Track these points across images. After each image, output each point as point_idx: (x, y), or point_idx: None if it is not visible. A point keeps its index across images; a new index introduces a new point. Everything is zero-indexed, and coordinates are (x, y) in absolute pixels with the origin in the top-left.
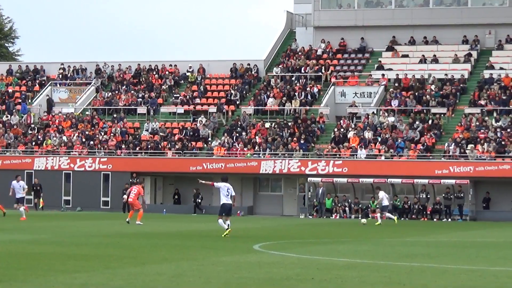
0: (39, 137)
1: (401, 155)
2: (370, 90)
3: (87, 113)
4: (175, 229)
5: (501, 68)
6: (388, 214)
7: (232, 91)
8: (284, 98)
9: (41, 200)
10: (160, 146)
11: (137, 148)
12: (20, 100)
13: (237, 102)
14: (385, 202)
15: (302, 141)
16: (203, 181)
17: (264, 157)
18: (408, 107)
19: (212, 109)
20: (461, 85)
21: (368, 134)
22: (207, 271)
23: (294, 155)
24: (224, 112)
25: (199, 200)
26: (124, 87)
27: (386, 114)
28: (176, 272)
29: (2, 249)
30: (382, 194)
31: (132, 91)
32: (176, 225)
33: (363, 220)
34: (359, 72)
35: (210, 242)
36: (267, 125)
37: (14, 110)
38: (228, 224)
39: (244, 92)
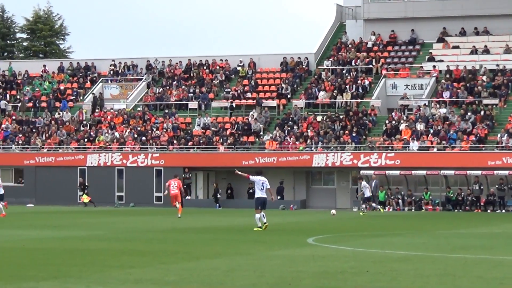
0: (91, 133)
1: (454, 146)
2: (421, 82)
3: (138, 109)
4: (228, 224)
5: None
6: (373, 204)
7: (283, 85)
8: (335, 91)
9: (85, 196)
10: (212, 141)
11: (189, 143)
12: (73, 97)
13: (288, 96)
14: (367, 193)
15: (354, 134)
16: (240, 173)
17: (316, 150)
18: (459, 98)
19: (264, 103)
20: None
21: (420, 126)
22: (261, 265)
23: (346, 148)
24: (263, 106)
25: (219, 195)
26: (175, 82)
27: (437, 105)
28: (230, 266)
29: (57, 246)
30: (363, 184)
31: (183, 87)
32: (230, 220)
33: (333, 211)
34: (410, 64)
35: (264, 236)
36: (319, 118)
37: (67, 108)
38: (263, 215)
39: (295, 85)
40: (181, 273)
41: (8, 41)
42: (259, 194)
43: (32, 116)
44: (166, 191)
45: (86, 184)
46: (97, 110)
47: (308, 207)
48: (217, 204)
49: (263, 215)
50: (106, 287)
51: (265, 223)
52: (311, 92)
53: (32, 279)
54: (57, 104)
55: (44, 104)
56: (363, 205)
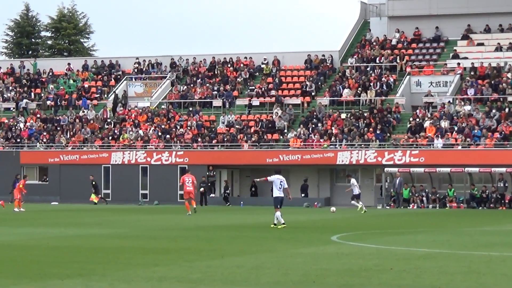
0: (116, 131)
1: (478, 144)
2: (446, 79)
3: (162, 106)
4: (252, 221)
5: None
6: (353, 202)
7: (307, 83)
8: (360, 89)
9: (94, 195)
10: (236, 139)
11: (213, 141)
12: (97, 95)
13: (312, 94)
14: (356, 191)
15: (378, 131)
16: (258, 180)
17: (340, 148)
18: (484, 95)
19: (288, 100)
20: None
21: (444, 124)
22: (286, 262)
23: (370, 146)
24: (283, 104)
25: (228, 192)
26: (199, 80)
27: (462, 103)
28: (254, 264)
29: (81, 243)
30: (353, 181)
31: (207, 84)
32: (254, 217)
33: (333, 208)
34: (434, 61)
35: (288, 233)
36: (343, 115)
37: (90, 105)
38: (278, 216)
39: (319, 83)
40: (205, 270)
41: (33, 40)
42: (276, 193)
43: (53, 113)
44: (181, 186)
45: (94, 182)
46: (121, 108)
47: (332, 204)
48: (227, 203)
49: (280, 215)
50: (131, 285)
51: (274, 224)
52: (335, 90)
53: (57, 276)
54: (79, 102)
55: (65, 103)
56: (353, 202)
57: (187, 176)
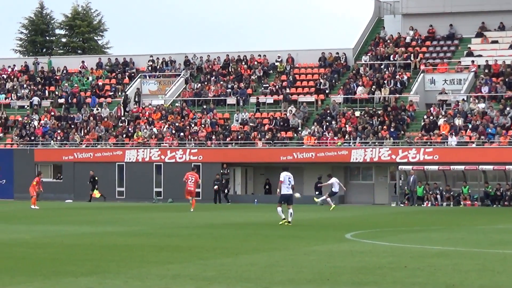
0: (130, 129)
1: (492, 141)
2: (460, 77)
3: (176, 104)
4: (266, 219)
5: None
6: (328, 199)
7: (321, 80)
8: (374, 86)
9: (96, 191)
10: (250, 137)
11: (227, 139)
12: (111, 93)
13: (326, 91)
14: (336, 189)
15: (392, 129)
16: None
17: (354, 145)
18: (498, 93)
19: (302, 98)
20: None
21: (458, 121)
22: (300, 260)
23: (384, 143)
24: (291, 102)
25: (227, 191)
26: (213, 78)
27: (476, 100)
28: (268, 262)
29: (95, 241)
30: (333, 180)
31: (221, 82)
32: (268, 215)
33: (297, 194)
34: (448, 59)
35: (301, 231)
36: (357, 113)
37: (104, 103)
38: (291, 213)
39: (333, 81)
40: (219, 268)
41: (47, 38)
42: (284, 190)
43: (65, 111)
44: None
45: (96, 178)
46: (134, 106)
47: (346, 202)
48: (227, 200)
49: (291, 212)
50: (145, 283)
51: (288, 222)
52: (349, 87)
53: (71, 274)
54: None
55: (76, 100)
56: (328, 199)
57: (191, 175)
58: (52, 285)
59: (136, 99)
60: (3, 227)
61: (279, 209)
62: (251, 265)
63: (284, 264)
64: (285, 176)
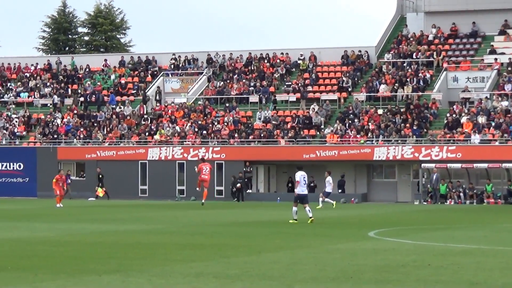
0: (152, 127)
1: None
2: (483, 74)
3: (199, 102)
4: (289, 217)
5: None
6: (327, 199)
7: (344, 78)
8: (396, 84)
9: (101, 189)
10: (273, 135)
11: (250, 137)
12: (134, 91)
13: (349, 89)
14: (328, 189)
15: (415, 127)
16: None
17: (377, 143)
18: None
19: (325, 96)
20: None
21: (481, 119)
22: (323, 258)
23: (407, 141)
24: (306, 99)
25: (235, 188)
26: (235, 76)
27: (499, 98)
28: (291, 260)
29: (118, 239)
30: (329, 179)
31: (244, 80)
32: (290, 214)
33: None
34: (471, 57)
35: (324, 229)
36: (380, 111)
37: (127, 101)
38: (309, 210)
39: (355, 79)
40: (242, 266)
41: (70, 36)
42: (300, 190)
43: (85, 109)
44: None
45: (102, 175)
46: (157, 105)
47: (369, 200)
48: (235, 199)
49: (309, 209)
50: (168, 281)
51: (311, 218)
52: (372, 85)
53: (94, 272)
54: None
55: (94, 99)
56: (326, 199)
57: (205, 165)
58: (75, 283)
59: (157, 97)
60: (26, 225)
61: (295, 209)
62: (274, 263)
63: (307, 262)
64: (300, 176)
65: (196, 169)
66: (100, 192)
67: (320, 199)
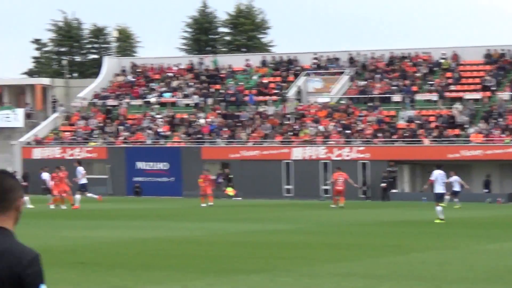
0: (296, 127)
1: None
2: None
3: (342, 102)
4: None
5: None
6: (455, 200)
7: (487, 77)
8: None
9: (231, 189)
10: (416, 134)
11: (394, 136)
12: (276, 91)
13: (493, 88)
14: (456, 188)
15: None
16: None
17: None
18: None
19: (468, 95)
20: None
21: None
22: (470, 259)
23: None
24: (447, 98)
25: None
26: (378, 75)
27: None
28: (439, 260)
29: (263, 239)
30: (456, 178)
31: (386, 80)
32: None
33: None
34: None
35: (472, 230)
36: None
37: (269, 101)
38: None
39: (499, 78)
40: (390, 267)
41: (211, 36)
42: (439, 188)
43: (225, 109)
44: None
45: (231, 176)
46: (300, 104)
47: None
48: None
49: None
50: (315, 280)
51: (440, 218)
52: None
53: (242, 272)
54: (259, 98)
55: (234, 99)
56: (454, 200)
57: (339, 175)
58: (224, 282)
59: (298, 97)
60: (172, 224)
61: (439, 208)
62: (422, 263)
63: (455, 262)
64: (438, 174)
65: (330, 180)
66: (230, 191)
67: (455, 200)
